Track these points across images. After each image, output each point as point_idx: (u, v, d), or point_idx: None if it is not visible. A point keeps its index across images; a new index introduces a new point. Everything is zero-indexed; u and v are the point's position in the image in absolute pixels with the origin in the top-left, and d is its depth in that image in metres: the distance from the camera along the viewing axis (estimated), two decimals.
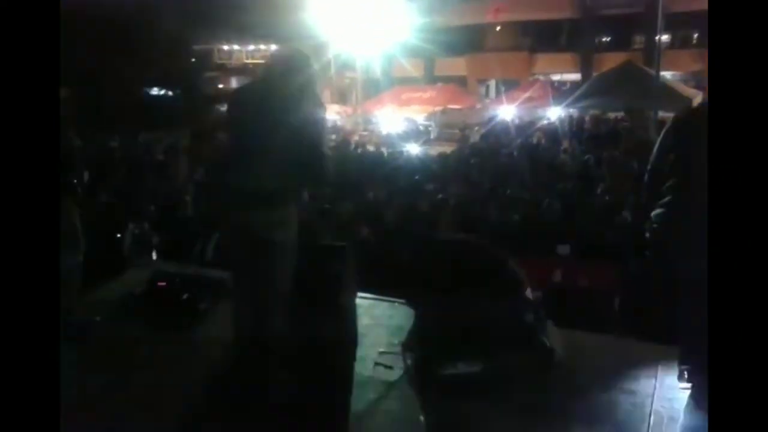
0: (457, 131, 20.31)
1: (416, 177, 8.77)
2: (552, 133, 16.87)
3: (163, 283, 3.86)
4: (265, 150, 2.63)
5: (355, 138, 18.37)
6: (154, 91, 24.07)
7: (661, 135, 2.67)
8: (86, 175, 3.66)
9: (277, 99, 2.65)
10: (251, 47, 27.32)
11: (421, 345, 3.05)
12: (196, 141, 9.91)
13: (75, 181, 3.48)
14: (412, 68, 27.96)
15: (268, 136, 2.61)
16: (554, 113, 20.46)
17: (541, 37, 27.23)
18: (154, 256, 5.64)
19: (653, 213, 2.61)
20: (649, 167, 2.72)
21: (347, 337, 3.39)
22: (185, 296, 3.71)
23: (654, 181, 2.66)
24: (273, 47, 27.80)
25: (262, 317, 2.73)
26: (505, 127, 18.68)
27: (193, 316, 3.62)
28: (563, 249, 6.02)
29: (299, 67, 2.71)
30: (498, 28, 27.99)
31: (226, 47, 27.75)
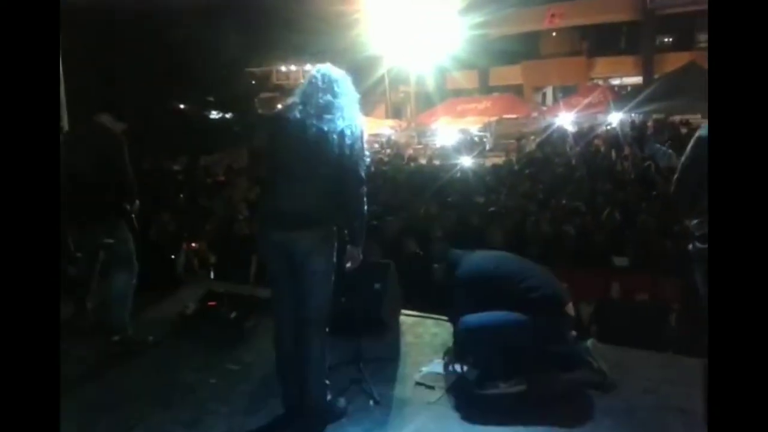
0: (513, 141, 19.98)
1: (465, 191, 8.69)
2: (612, 140, 16.34)
3: (213, 303, 3.99)
4: (302, 172, 2.66)
5: (409, 152, 18.40)
6: (214, 114, 25.00)
7: (693, 142, 2.48)
8: (139, 200, 3.81)
9: (311, 119, 2.66)
10: (308, 66, 27.97)
11: (461, 363, 3.00)
12: (252, 161, 10.20)
13: (129, 206, 3.65)
14: (466, 79, 27.86)
15: (303, 157, 2.65)
16: (615, 118, 19.82)
17: (599, 41, 26.58)
18: (212, 275, 5.84)
19: (692, 224, 2.45)
20: (677, 176, 2.55)
21: (388, 354, 3.40)
22: (233, 315, 3.81)
23: (683, 192, 2.51)
24: (328, 65, 28.38)
25: (301, 334, 2.76)
26: (562, 135, 18.27)
27: (240, 334, 3.71)
28: (621, 261, 5.81)
29: (332, 85, 2.71)
30: (554, 34, 27.53)
31: (283, 68, 28.46)
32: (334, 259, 2.76)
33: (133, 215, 3.77)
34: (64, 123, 7.89)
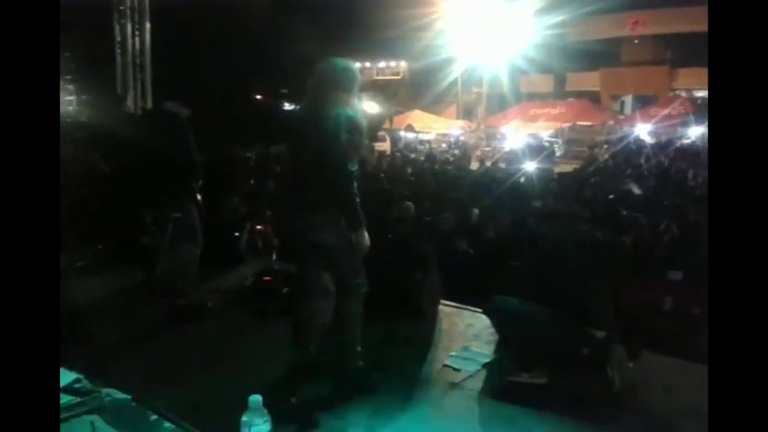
0: (585, 149, 19.57)
1: (526, 195, 8.76)
2: (690, 154, 15.75)
3: (269, 278, 4.35)
4: (307, 162, 2.88)
5: (477, 153, 18.42)
6: (287, 106, 25.85)
7: None
8: (204, 180, 4.18)
9: (315, 113, 2.86)
10: (382, 64, 28.39)
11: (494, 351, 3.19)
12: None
13: (193, 185, 4.05)
14: (542, 83, 27.42)
15: (308, 149, 2.87)
16: (696, 132, 19.04)
17: (683, 51, 25.49)
18: (274, 256, 6.24)
19: None
20: None
21: (422, 338, 3.64)
22: (285, 290, 4.14)
23: None
24: (402, 64, 28.71)
25: (335, 308, 3.01)
26: (638, 146, 17.76)
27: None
28: (675, 275, 5.75)
29: (336, 80, 2.88)
30: (636, 41, 26.66)
31: (357, 64, 28.98)
32: (350, 240, 2.85)
33: (197, 193, 4.16)
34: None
